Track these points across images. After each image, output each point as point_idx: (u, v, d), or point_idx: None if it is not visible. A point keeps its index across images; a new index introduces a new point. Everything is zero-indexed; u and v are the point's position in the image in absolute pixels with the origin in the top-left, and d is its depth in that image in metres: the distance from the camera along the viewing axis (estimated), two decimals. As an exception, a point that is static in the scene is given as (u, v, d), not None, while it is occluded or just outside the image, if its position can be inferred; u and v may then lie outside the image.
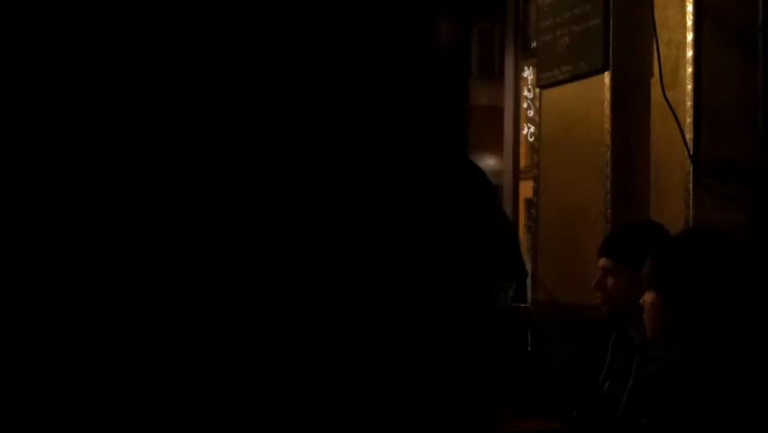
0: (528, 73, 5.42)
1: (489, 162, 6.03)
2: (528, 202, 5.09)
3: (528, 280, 4.47)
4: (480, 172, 4.30)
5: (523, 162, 5.47)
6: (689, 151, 3.48)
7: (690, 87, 3.50)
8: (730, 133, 3.49)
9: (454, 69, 4.34)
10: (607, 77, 3.94)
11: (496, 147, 5.78)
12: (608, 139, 3.92)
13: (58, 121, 3.02)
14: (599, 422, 2.87)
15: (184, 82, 3.13)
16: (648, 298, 2.37)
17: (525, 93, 5.51)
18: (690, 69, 3.50)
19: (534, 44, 4.76)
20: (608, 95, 3.93)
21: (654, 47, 3.64)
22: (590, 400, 2.96)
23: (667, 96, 3.55)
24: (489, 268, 4.01)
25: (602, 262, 3.01)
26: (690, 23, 3.52)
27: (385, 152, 4.19)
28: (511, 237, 4.42)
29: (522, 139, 5.50)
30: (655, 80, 3.67)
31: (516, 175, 5.46)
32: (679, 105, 3.52)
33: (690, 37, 3.51)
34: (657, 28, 3.63)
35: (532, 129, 4.87)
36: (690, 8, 3.52)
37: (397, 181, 4.26)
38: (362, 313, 3.49)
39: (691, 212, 3.46)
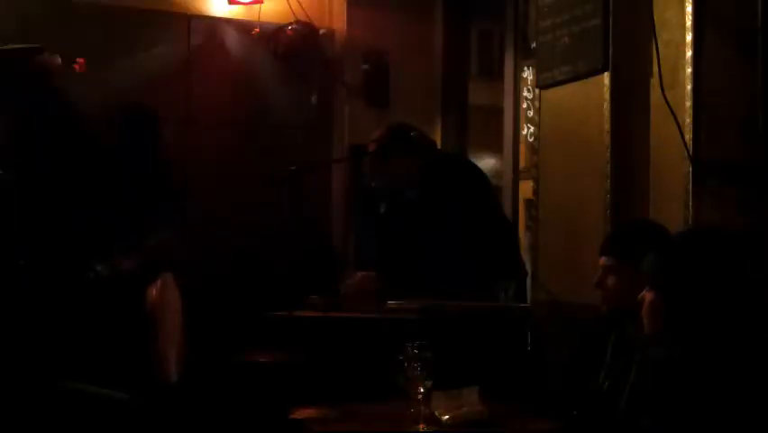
0: (528, 73, 5.42)
1: (489, 162, 6.03)
2: (528, 202, 5.09)
3: (528, 280, 4.48)
4: (479, 172, 4.32)
5: (523, 162, 5.47)
6: (688, 151, 3.48)
7: (689, 87, 3.50)
8: (729, 133, 3.49)
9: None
10: (606, 77, 3.94)
11: (496, 147, 5.79)
12: (607, 139, 3.93)
13: None
14: (599, 422, 2.88)
15: None
16: (648, 296, 2.38)
17: (525, 93, 5.50)
18: (689, 70, 3.51)
19: (533, 45, 4.76)
20: (607, 95, 3.94)
21: (654, 47, 3.64)
22: (590, 400, 2.97)
23: (666, 96, 3.55)
24: (489, 268, 4.03)
25: (603, 260, 3.02)
26: (689, 23, 3.52)
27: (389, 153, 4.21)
28: (511, 237, 4.44)
29: (522, 139, 5.50)
30: (655, 81, 3.67)
31: (516, 175, 5.46)
32: (678, 106, 3.53)
33: (689, 37, 3.51)
34: (657, 28, 3.64)
35: (532, 129, 4.87)
36: (689, 9, 3.52)
37: (399, 181, 4.28)
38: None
39: (691, 212, 3.47)
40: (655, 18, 3.64)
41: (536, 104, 4.57)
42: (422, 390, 2.78)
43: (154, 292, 3.90)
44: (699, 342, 2.26)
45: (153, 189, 4.11)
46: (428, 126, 5.58)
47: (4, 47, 4.00)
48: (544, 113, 4.50)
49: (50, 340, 3.65)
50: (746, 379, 2.19)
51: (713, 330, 2.25)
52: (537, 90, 4.55)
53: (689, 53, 3.51)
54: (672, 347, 2.30)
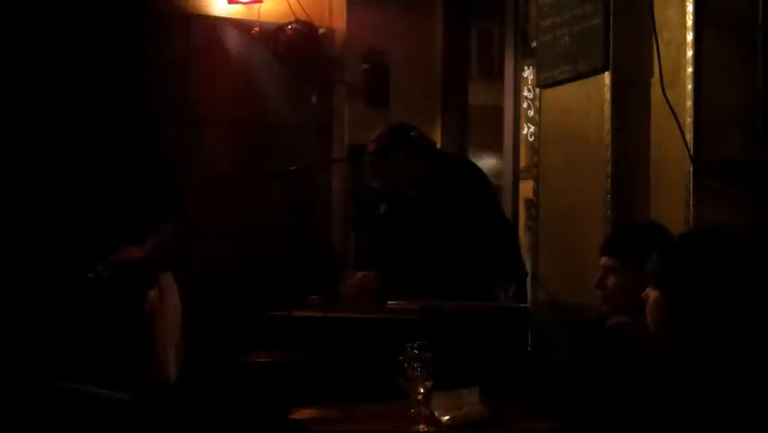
0: (528, 73, 5.42)
1: (489, 162, 6.03)
2: (528, 202, 5.09)
3: (528, 280, 4.47)
4: (479, 172, 4.32)
5: (523, 162, 5.47)
6: (689, 151, 3.48)
7: (690, 87, 3.50)
8: (730, 132, 3.49)
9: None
10: (607, 77, 3.94)
11: (496, 147, 5.79)
12: (607, 139, 3.92)
13: None
14: (599, 422, 2.87)
15: None
16: (651, 294, 2.37)
17: (525, 93, 5.51)
18: (690, 69, 3.50)
19: (534, 44, 4.76)
20: (608, 95, 3.93)
21: (654, 47, 3.64)
22: (590, 400, 2.97)
23: (667, 96, 3.55)
24: (489, 268, 4.03)
25: (604, 260, 3.02)
26: (690, 22, 3.51)
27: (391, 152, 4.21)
28: (510, 237, 4.44)
29: (522, 139, 5.50)
30: (655, 80, 3.67)
31: (516, 175, 5.46)
32: (679, 105, 3.52)
33: (690, 37, 3.51)
34: (657, 28, 3.63)
35: (532, 129, 4.86)
36: (690, 8, 3.52)
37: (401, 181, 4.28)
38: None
39: (691, 212, 3.46)
40: (656, 18, 3.64)
41: (536, 103, 4.56)
42: (422, 390, 2.78)
43: (153, 292, 3.90)
44: (702, 341, 2.26)
45: (153, 189, 4.11)
46: (428, 126, 5.58)
47: None
48: (545, 112, 4.50)
49: (49, 340, 3.66)
50: (749, 378, 2.19)
51: (716, 329, 2.25)
52: (537, 90, 4.54)
53: (689, 53, 3.51)
54: (675, 347, 2.30)
